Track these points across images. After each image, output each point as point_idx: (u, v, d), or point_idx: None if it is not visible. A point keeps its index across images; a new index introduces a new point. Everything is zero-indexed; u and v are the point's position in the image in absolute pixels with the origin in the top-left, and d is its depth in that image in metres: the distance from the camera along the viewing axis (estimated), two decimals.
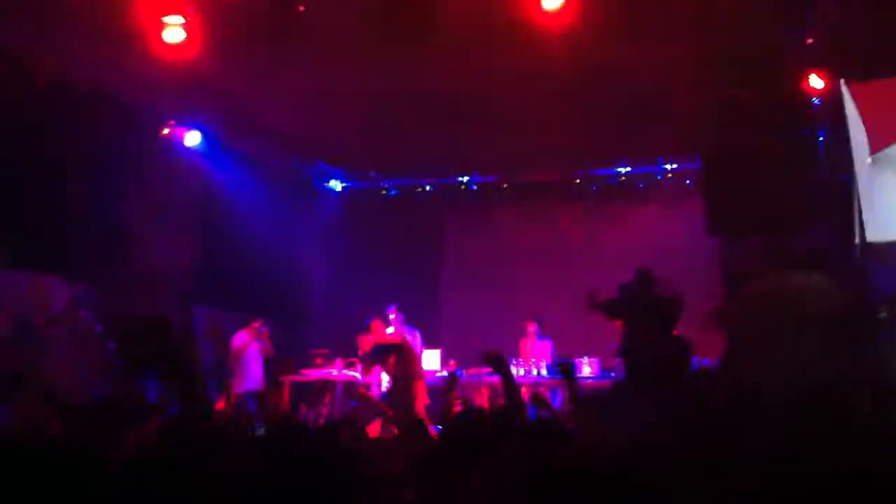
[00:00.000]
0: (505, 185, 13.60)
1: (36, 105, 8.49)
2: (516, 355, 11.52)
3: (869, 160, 6.29)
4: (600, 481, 2.77)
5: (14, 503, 2.89)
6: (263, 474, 3.53)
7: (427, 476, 3.54)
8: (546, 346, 11.60)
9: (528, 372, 11.06)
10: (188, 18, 7.88)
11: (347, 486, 3.39)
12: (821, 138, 7.35)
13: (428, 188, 13.99)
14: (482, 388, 11.29)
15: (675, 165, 12.51)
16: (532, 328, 11.68)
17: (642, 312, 8.10)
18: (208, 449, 4.07)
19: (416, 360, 10.04)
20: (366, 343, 10.39)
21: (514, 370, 10.96)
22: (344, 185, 14.33)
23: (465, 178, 13.69)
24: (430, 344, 11.68)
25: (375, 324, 10.07)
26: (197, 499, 3.18)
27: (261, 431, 5.86)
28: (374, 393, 10.55)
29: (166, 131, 10.53)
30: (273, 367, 11.19)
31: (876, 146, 6.28)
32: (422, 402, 9.69)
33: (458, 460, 3.61)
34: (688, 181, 12.33)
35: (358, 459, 4.15)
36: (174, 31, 7.83)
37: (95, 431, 4.33)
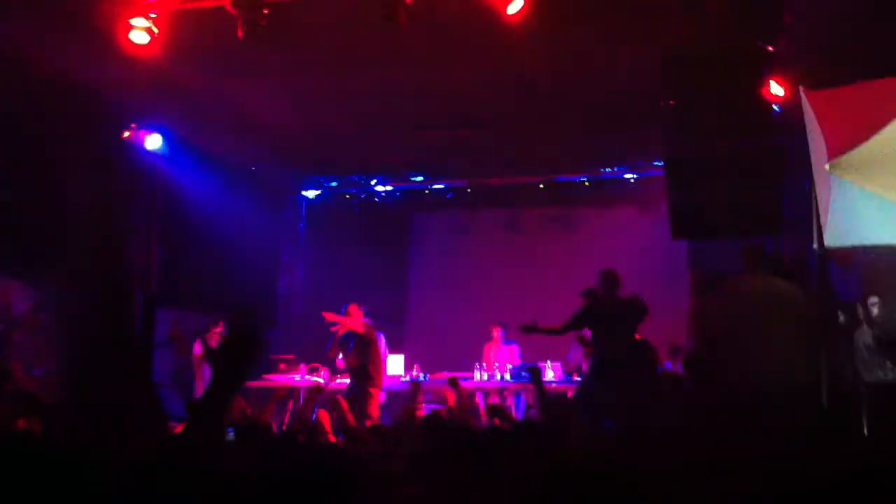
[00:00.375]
0: (469, 189, 13.64)
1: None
2: (480, 360, 11.56)
3: (826, 167, 6.40)
4: (586, 482, 2.82)
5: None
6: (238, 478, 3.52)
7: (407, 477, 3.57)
8: (513, 350, 11.64)
9: (491, 377, 11.09)
10: (155, 19, 7.83)
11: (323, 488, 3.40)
12: (781, 145, 7.47)
13: (395, 193, 13.98)
14: (447, 392, 11.30)
15: (639, 171, 12.62)
16: (497, 332, 11.72)
17: (608, 314, 8.18)
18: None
19: (380, 359, 9.90)
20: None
21: (477, 374, 11.03)
22: (312, 189, 14.27)
23: (433, 185, 13.70)
24: (394, 349, 11.68)
25: (353, 307, 9.88)
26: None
27: (230, 437, 5.82)
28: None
29: (127, 134, 10.42)
30: None
31: (832, 153, 6.38)
32: (376, 402, 9.60)
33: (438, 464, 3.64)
34: (653, 185, 12.44)
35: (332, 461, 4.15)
36: (139, 32, 7.80)
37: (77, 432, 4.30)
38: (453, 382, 8.49)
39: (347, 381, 10.32)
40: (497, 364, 11.27)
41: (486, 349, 11.75)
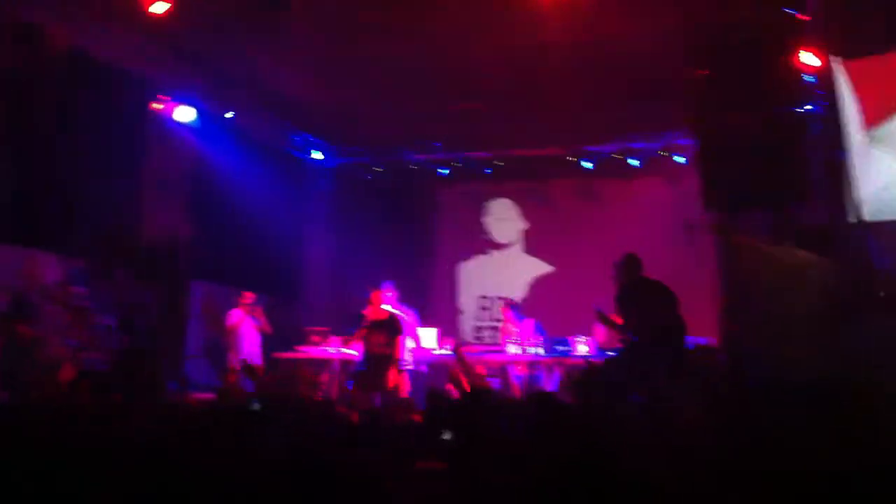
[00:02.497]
0: (497, 162, 13.55)
1: (27, 75, 8.44)
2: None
3: (860, 137, 6.28)
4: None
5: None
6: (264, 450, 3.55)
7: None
8: (527, 324, 11.48)
9: (525, 350, 10.99)
10: None
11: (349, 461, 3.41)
12: (815, 115, 7.34)
13: (422, 164, 13.91)
14: (478, 365, 11.31)
15: (670, 141, 12.43)
16: (506, 313, 11.54)
17: (644, 293, 7.99)
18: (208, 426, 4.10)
19: (401, 344, 9.87)
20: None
21: (510, 348, 10.96)
22: (338, 161, 14.26)
23: (460, 156, 13.61)
24: (424, 322, 11.66)
25: (376, 295, 9.83)
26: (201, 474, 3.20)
27: (256, 406, 5.84)
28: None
29: (158, 106, 10.47)
30: (269, 344, 11.20)
31: (869, 123, 6.27)
32: (403, 387, 9.64)
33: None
34: (683, 157, 12.28)
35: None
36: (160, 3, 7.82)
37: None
38: (457, 351, 8.47)
39: (354, 352, 10.32)
40: (529, 339, 11.12)
41: (502, 330, 11.63)
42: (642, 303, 7.78)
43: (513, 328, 11.26)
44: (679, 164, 12.30)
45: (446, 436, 3.91)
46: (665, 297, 7.74)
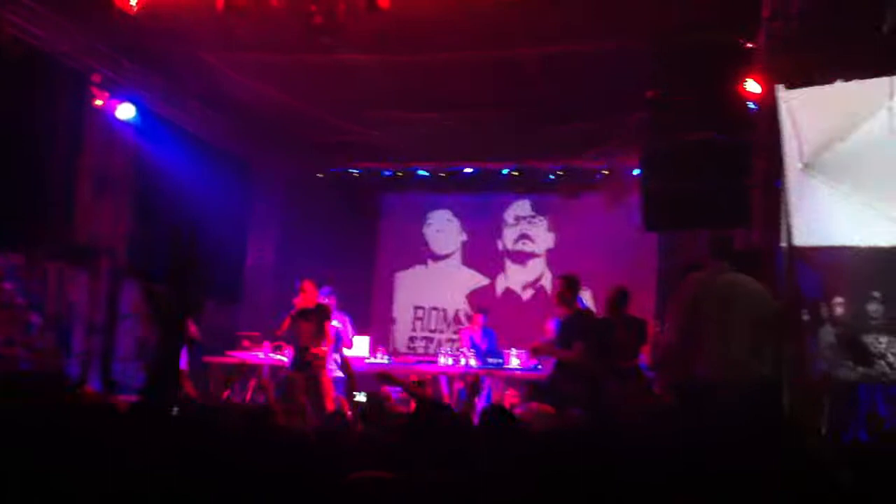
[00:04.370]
0: (442, 174, 13.60)
1: None
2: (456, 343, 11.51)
3: (799, 165, 6.46)
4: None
5: None
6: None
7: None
8: (490, 337, 11.49)
9: (455, 361, 11.02)
10: None
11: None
12: (754, 141, 7.53)
13: (366, 172, 13.91)
14: (410, 375, 11.30)
15: (611, 162, 12.62)
16: (479, 319, 11.54)
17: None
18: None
19: (329, 340, 9.57)
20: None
21: (441, 359, 10.99)
22: (283, 165, 14.16)
23: (406, 167, 13.64)
24: (361, 330, 11.63)
25: (307, 283, 9.57)
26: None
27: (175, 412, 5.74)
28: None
29: (99, 102, 10.26)
30: (198, 349, 11.03)
31: (806, 152, 6.45)
32: (329, 381, 9.47)
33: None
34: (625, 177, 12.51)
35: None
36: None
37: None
38: (383, 378, 8.44)
39: (284, 358, 10.20)
40: (473, 349, 11.16)
41: (462, 333, 11.63)
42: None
43: (471, 334, 11.27)
44: (623, 184, 12.51)
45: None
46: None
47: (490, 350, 11.03)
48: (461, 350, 11.05)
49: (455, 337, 11.56)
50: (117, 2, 7.83)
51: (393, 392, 9.42)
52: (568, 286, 8.03)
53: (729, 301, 5.92)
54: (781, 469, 3.16)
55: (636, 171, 11.26)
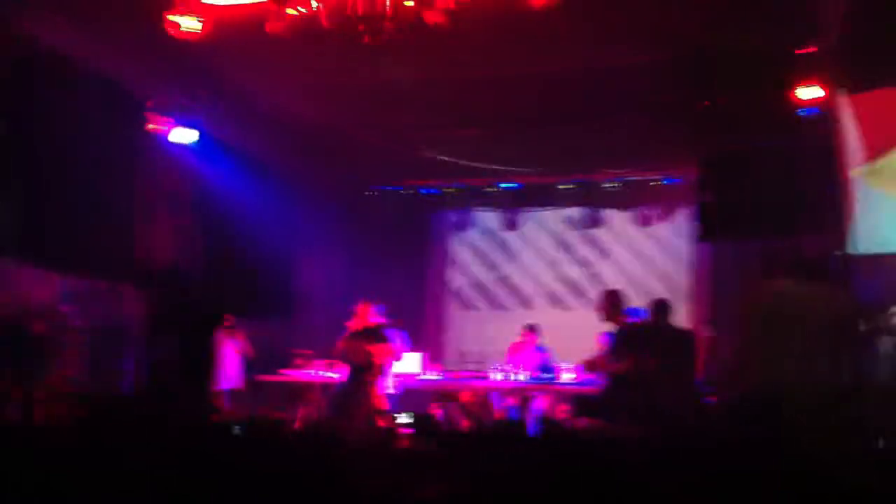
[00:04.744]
0: (492, 189, 13.57)
1: (28, 92, 8.39)
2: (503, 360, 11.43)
3: (860, 171, 6.34)
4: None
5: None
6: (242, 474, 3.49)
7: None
8: (544, 356, 11.36)
9: (506, 377, 10.93)
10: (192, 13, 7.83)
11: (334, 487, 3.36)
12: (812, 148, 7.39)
13: (417, 190, 13.93)
14: (464, 391, 11.25)
15: (666, 173, 12.50)
16: (528, 336, 11.44)
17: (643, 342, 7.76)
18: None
19: (386, 353, 9.59)
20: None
21: (492, 374, 10.91)
22: (330, 183, 14.25)
23: (456, 184, 13.63)
24: (413, 346, 11.60)
25: (361, 307, 9.60)
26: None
27: (237, 431, 5.75)
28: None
29: (158, 126, 10.42)
30: (252, 367, 11.11)
31: (865, 159, 6.33)
32: (382, 396, 9.44)
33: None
34: (674, 187, 12.39)
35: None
36: (177, 23, 7.78)
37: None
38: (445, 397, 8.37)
39: (337, 376, 10.21)
40: (522, 366, 11.06)
41: (511, 349, 11.54)
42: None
43: (521, 352, 11.18)
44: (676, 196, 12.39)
45: None
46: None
47: (544, 366, 10.93)
48: (507, 366, 10.97)
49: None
50: (167, 28, 7.93)
51: (440, 412, 9.39)
52: (610, 300, 7.93)
53: (797, 311, 5.80)
54: (846, 476, 3.09)
55: (691, 181, 11.18)
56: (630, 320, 8.11)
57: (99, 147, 9.39)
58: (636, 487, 3.00)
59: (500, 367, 10.94)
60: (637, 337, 7.76)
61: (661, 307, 8.01)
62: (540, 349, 11.23)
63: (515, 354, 11.26)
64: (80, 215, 9.18)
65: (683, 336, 8.12)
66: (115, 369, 9.72)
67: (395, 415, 9.46)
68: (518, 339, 11.42)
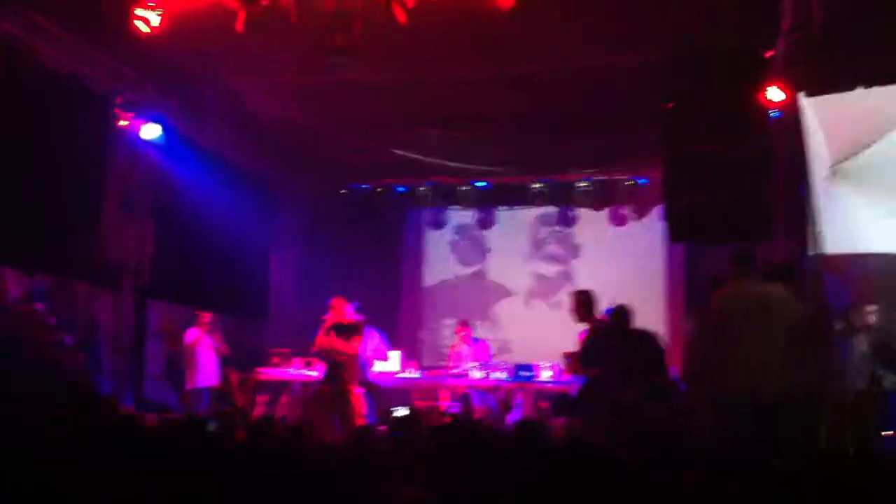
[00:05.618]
0: (465, 188, 13.60)
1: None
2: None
3: (826, 173, 6.41)
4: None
5: None
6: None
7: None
8: (480, 347, 11.48)
9: (487, 375, 10.99)
10: (157, 9, 7.83)
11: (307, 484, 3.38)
12: (778, 149, 7.47)
13: (390, 188, 13.93)
14: (441, 389, 11.30)
15: (636, 173, 12.59)
16: (462, 332, 11.53)
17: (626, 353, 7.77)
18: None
19: (362, 355, 9.65)
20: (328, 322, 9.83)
21: (473, 373, 10.97)
22: (309, 184, 14.23)
23: (428, 181, 13.64)
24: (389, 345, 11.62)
25: (336, 301, 9.62)
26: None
27: (213, 427, 5.77)
28: None
29: (124, 123, 10.36)
30: (228, 365, 11.08)
31: (831, 160, 6.41)
32: (361, 398, 9.42)
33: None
34: (646, 187, 12.49)
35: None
36: (146, 18, 7.78)
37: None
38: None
39: (315, 374, 10.21)
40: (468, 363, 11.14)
41: (453, 350, 11.61)
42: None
43: (466, 349, 11.28)
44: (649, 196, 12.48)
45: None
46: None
47: (483, 362, 11.05)
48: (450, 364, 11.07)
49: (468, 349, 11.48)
50: (132, 25, 7.92)
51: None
52: (581, 301, 7.94)
53: (761, 312, 5.85)
54: (814, 478, 3.15)
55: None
56: (601, 320, 8.14)
57: (67, 145, 9.32)
58: (612, 489, 3.04)
59: (478, 366, 10.99)
60: (605, 338, 7.80)
61: (621, 312, 8.00)
62: (474, 340, 11.34)
63: (456, 352, 11.35)
64: (48, 213, 9.11)
65: (647, 337, 8.13)
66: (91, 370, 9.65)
67: (392, 409, 9.55)
68: (456, 342, 11.50)
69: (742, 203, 7.16)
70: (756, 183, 7.14)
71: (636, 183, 12.75)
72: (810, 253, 6.59)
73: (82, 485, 3.21)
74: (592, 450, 4.05)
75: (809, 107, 6.31)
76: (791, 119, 6.69)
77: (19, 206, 8.76)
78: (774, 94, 7.44)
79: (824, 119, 6.29)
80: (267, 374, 11.18)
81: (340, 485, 3.44)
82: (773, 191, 7.32)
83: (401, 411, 9.57)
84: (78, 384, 8.66)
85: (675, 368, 8.19)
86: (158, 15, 7.79)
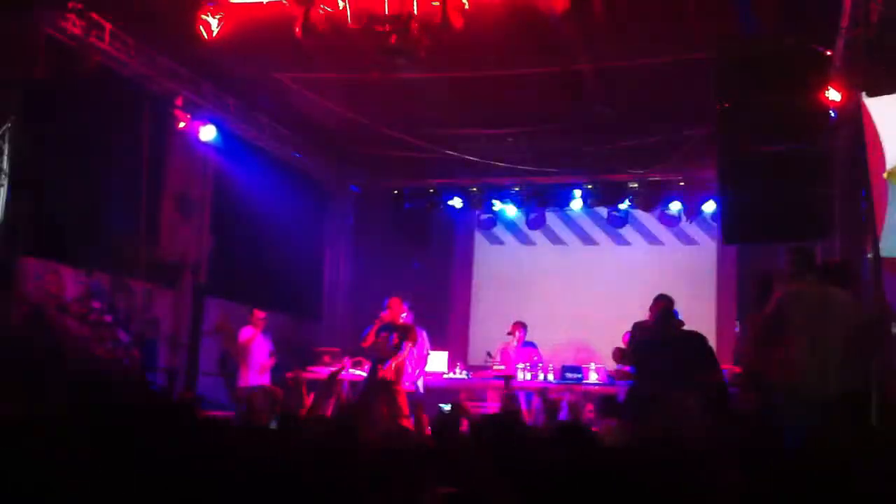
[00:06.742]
0: (515, 188, 13.58)
1: (54, 89, 8.52)
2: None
3: (884, 174, 6.30)
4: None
5: None
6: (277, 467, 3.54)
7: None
8: (530, 352, 11.44)
9: (534, 377, 10.99)
10: (216, 13, 7.97)
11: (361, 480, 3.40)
12: (836, 150, 7.35)
13: (443, 189, 13.94)
14: (488, 390, 11.31)
15: (688, 173, 12.45)
16: (519, 333, 11.50)
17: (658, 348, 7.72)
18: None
19: (408, 355, 9.73)
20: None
21: (520, 374, 10.95)
22: (360, 183, 14.32)
23: (480, 183, 13.63)
24: (437, 345, 11.66)
25: (394, 300, 9.68)
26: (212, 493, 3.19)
27: (273, 425, 5.84)
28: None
29: (182, 124, 10.54)
30: (280, 363, 11.19)
31: (890, 161, 6.28)
32: (404, 396, 9.49)
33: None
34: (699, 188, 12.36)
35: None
36: (208, 22, 7.93)
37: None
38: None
39: (363, 373, 10.28)
40: (541, 365, 11.10)
41: (502, 348, 11.57)
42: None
43: (515, 349, 11.22)
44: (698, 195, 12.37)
45: None
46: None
47: (531, 363, 11.00)
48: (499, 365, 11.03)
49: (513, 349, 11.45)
50: (197, 28, 8.06)
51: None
52: (663, 307, 7.88)
53: (822, 313, 5.76)
54: (866, 482, 3.09)
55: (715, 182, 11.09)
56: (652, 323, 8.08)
57: (126, 145, 9.52)
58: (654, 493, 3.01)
59: (526, 368, 10.95)
60: (650, 340, 7.76)
61: (669, 313, 7.94)
62: (527, 345, 11.29)
63: (505, 352, 11.32)
64: (106, 212, 9.30)
65: (695, 338, 8.04)
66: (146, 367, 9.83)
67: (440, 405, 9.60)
68: (509, 342, 11.44)
69: (801, 203, 7.03)
70: (815, 183, 7.01)
71: (686, 182, 12.61)
72: (869, 255, 6.46)
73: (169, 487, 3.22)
74: (637, 454, 4.03)
75: (870, 107, 6.19)
76: (850, 119, 6.57)
77: (78, 206, 8.96)
78: (834, 94, 7.32)
79: (885, 119, 6.17)
80: (318, 372, 11.28)
81: (377, 483, 3.46)
82: (832, 191, 7.19)
83: (445, 408, 9.63)
84: (130, 381, 8.81)
85: (725, 370, 8.12)
86: (219, 20, 7.92)
